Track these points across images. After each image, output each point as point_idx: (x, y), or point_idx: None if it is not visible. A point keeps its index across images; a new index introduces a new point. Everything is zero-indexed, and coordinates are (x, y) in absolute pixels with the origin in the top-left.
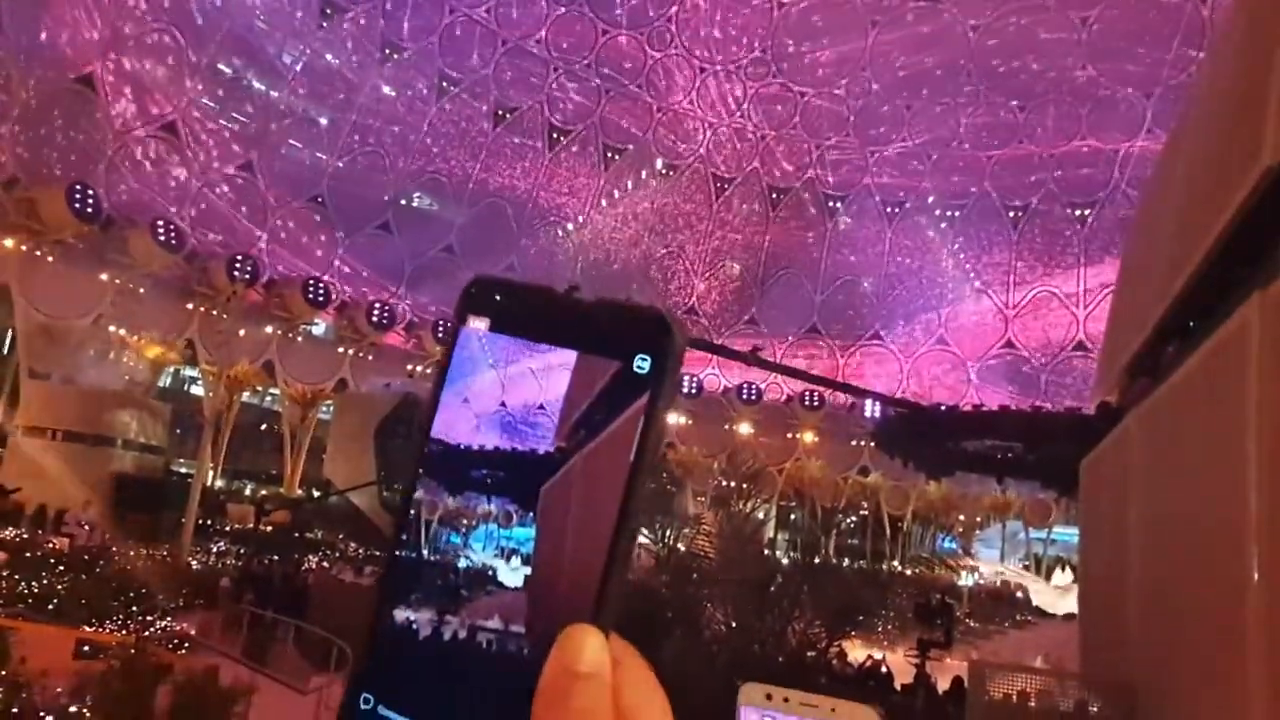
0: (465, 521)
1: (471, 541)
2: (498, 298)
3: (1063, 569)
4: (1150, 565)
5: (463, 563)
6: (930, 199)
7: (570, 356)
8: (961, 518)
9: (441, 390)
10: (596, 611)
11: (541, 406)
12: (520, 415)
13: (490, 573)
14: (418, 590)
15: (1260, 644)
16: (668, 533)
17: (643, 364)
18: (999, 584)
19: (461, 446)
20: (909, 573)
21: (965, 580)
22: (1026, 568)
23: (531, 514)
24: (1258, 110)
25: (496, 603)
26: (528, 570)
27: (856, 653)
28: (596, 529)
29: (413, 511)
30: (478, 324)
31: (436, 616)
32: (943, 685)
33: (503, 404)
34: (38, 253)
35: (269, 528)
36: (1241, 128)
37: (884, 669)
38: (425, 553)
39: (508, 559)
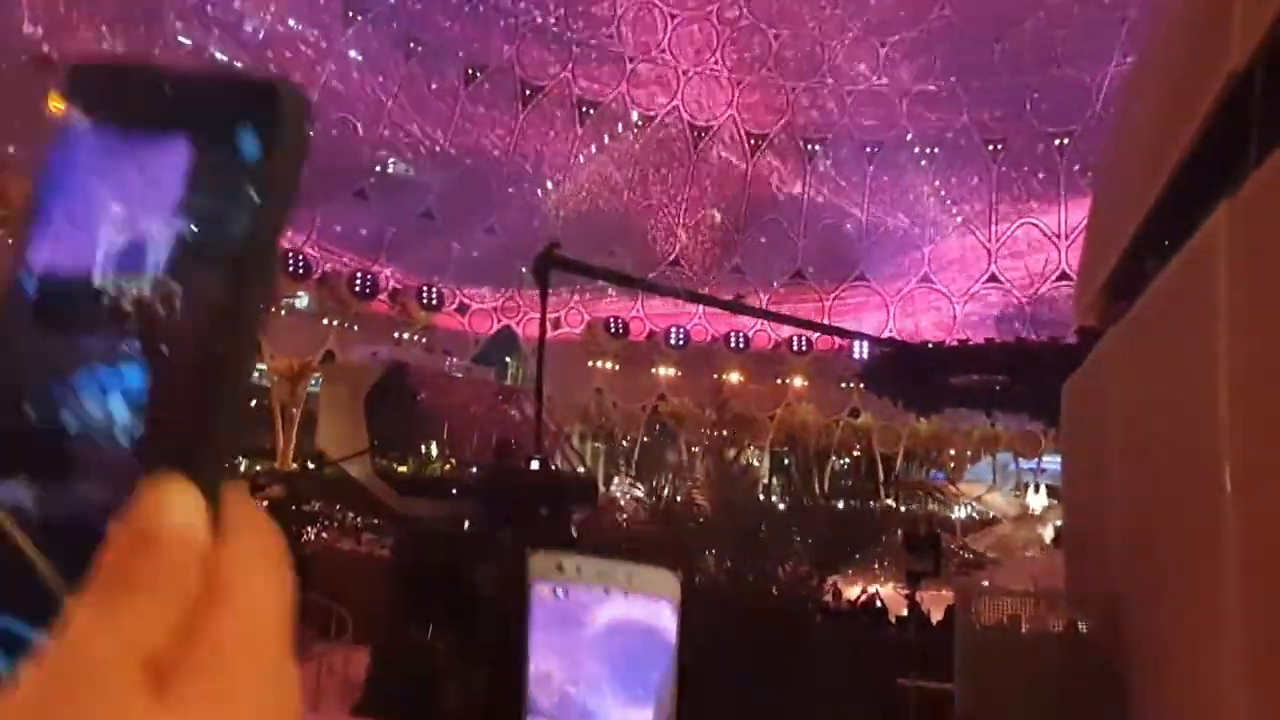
0: (68, 367)
1: (77, 388)
2: (98, 84)
3: (1036, 490)
4: (1129, 482)
5: (69, 418)
6: (909, 136)
7: (181, 143)
8: (952, 452)
9: (40, 209)
10: (191, 458)
11: (153, 213)
12: (127, 226)
13: (101, 428)
14: (14, 457)
15: (1235, 554)
16: (660, 483)
17: (251, 145)
18: (990, 516)
19: (61, 273)
20: (902, 509)
21: (958, 513)
22: (1017, 496)
23: (141, 347)
24: (1223, 10)
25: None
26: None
27: (852, 589)
28: (205, 362)
29: (11, 364)
30: (77, 117)
31: (34, 482)
32: (937, 616)
33: (107, 215)
34: (9, 242)
35: (265, 502)
36: (1207, 31)
37: (878, 603)
38: (26, 410)
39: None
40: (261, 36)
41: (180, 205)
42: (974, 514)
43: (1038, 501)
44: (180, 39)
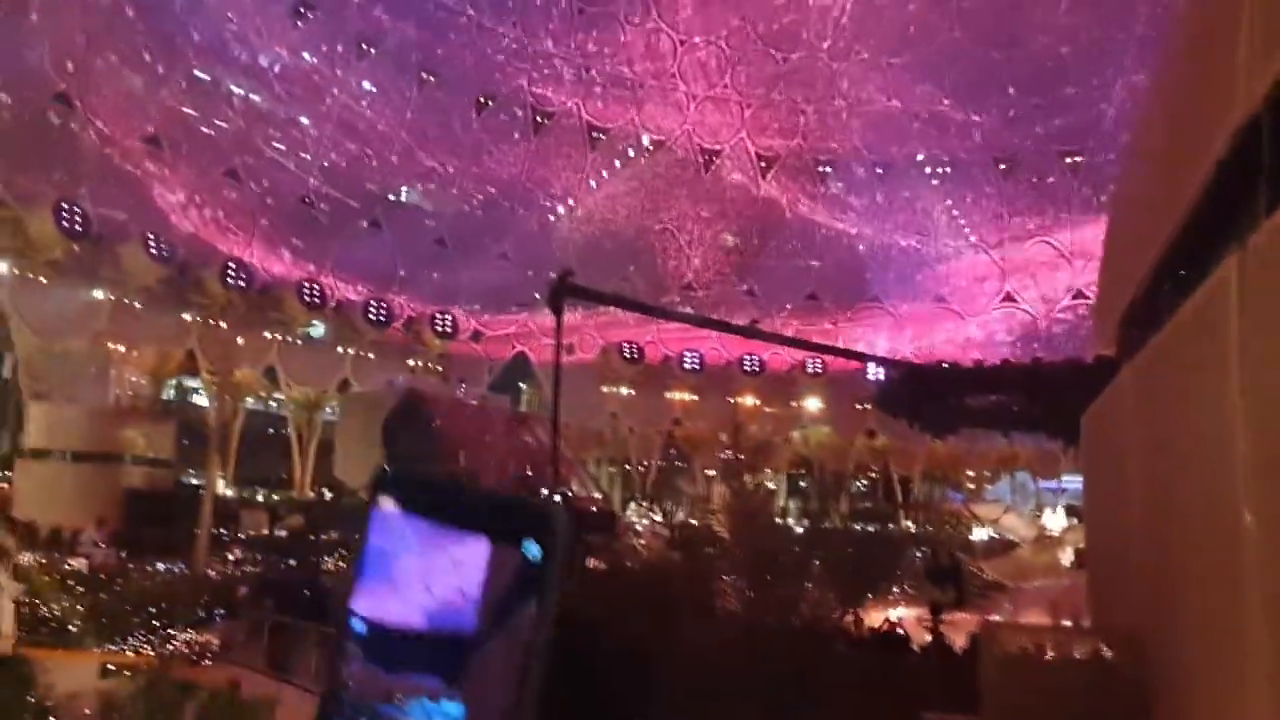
0: (399, 696)
1: (407, 714)
2: (409, 484)
3: (1054, 511)
4: (1150, 514)
5: None
6: (920, 157)
7: (482, 542)
8: (971, 473)
9: (363, 570)
10: None
11: (460, 590)
12: (440, 596)
13: None
14: None
15: (1256, 586)
16: (678, 509)
17: (535, 551)
18: (1009, 539)
19: (388, 624)
20: (921, 531)
21: (977, 535)
22: (1036, 517)
23: (458, 691)
24: (1228, 56)
25: None
26: None
27: (874, 616)
28: (505, 706)
29: (341, 688)
30: (390, 505)
31: None
32: (960, 642)
33: (424, 585)
34: (30, 274)
35: (284, 533)
36: (1212, 75)
37: (900, 631)
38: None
39: None
40: (277, 70)
41: (481, 585)
42: (994, 535)
43: (1056, 522)
44: (197, 74)
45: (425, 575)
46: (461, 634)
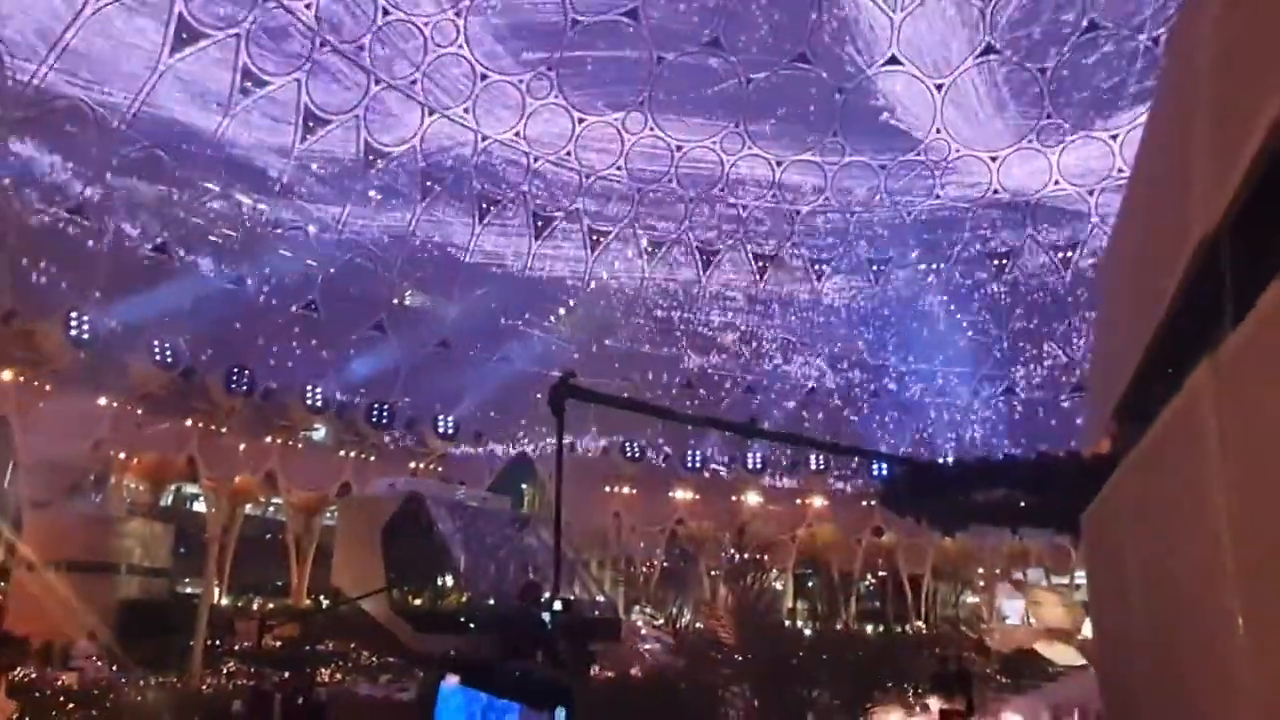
0: None
1: None
2: (469, 666)
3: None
4: (1150, 617)
5: None
6: (914, 254)
7: (516, 709)
8: (981, 570)
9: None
10: None
11: None
12: None
13: None
14: None
15: (1250, 696)
16: (680, 612)
17: (561, 713)
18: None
19: None
20: (933, 633)
21: (990, 640)
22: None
23: None
24: (1184, 177)
25: None
26: None
27: None
28: None
29: None
30: (453, 680)
31: None
32: None
33: None
34: (35, 383)
35: (278, 643)
36: (1173, 194)
37: None
38: None
39: None
40: (286, 180)
41: None
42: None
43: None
44: (208, 185)
45: None
46: None
